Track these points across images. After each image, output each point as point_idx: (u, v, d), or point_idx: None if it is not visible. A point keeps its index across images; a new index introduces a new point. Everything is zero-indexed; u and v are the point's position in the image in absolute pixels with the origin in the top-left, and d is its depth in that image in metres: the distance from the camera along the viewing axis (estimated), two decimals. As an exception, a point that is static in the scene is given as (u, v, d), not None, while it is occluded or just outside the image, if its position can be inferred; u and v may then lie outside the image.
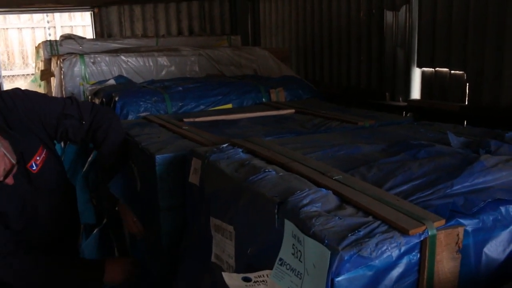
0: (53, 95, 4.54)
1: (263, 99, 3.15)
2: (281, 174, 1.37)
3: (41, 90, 5.52)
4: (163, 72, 4.69)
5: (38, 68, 5.58)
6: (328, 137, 1.93)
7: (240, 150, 1.65)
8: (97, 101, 3.10)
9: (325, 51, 6.32)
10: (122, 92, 2.90)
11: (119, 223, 2.55)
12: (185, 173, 1.79)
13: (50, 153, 2.13)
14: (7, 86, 10.76)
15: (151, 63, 4.65)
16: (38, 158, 2.06)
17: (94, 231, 3.52)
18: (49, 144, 2.14)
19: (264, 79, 3.59)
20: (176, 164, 1.84)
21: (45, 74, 4.97)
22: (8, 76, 10.81)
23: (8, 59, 11.14)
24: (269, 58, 5.15)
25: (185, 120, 2.58)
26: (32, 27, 11.18)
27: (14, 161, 1.84)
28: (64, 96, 4.45)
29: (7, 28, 10.98)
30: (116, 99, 2.81)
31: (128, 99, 2.80)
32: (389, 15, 5.14)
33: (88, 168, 3.11)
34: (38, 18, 11.25)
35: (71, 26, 10.89)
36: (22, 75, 11.11)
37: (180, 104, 2.91)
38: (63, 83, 4.41)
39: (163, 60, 4.68)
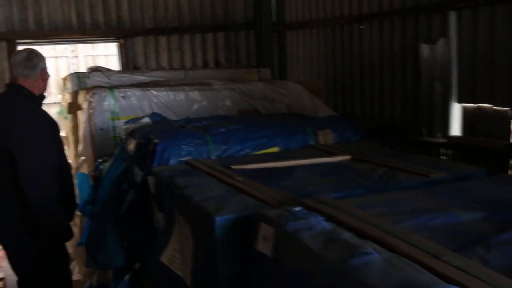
0: (81, 130, 4.35)
1: (310, 142, 2.92)
2: (386, 257, 1.13)
3: (68, 123, 5.34)
4: (195, 107, 4.50)
5: (65, 100, 5.42)
6: (407, 197, 1.69)
7: (320, 218, 1.41)
8: (132, 142, 2.89)
9: (356, 84, 6.11)
10: (162, 134, 2.69)
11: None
12: (249, 236, 1.55)
13: None
14: (28, 114, 10.69)
15: (182, 98, 4.45)
16: None
17: (126, 277, 3.28)
18: None
19: (307, 119, 3.37)
20: (238, 227, 1.61)
21: (73, 107, 4.79)
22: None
23: (30, 87, 11.10)
24: (303, 92, 4.93)
25: (233, 167, 2.35)
26: (55, 57, 11.14)
27: None
28: (93, 132, 4.26)
29: (30, 57, 10.97)
30: (156, 141, 2.60)
31: (170, 142, 2.58)
32: (424, 48, 4.92)
33: (123, 211, 2.89)
34: (61, 48, 11.22)
35: (94, 56, 10.84)
36: (45, 103, 11.04)
37: (224, 147, 2.69)
38: (92, 118, 4.22)
39: (194, 94, 4.49)
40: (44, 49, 11.61)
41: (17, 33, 6.54)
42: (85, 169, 4.14)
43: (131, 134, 2.97)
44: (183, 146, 2.58)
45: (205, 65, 7.31)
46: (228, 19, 7.42)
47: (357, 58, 6.06)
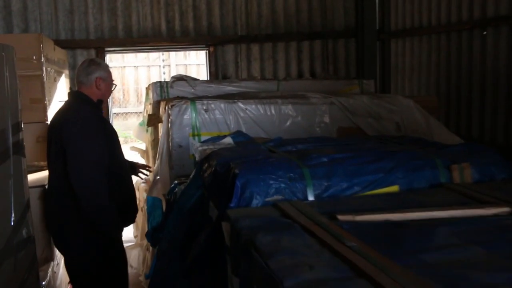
0: (160, 144, 3.81)
1: (441, 179, 2.13)
2: None
3: (148, 136, 4.86)
4: (288, 123, 3.81)
5: (147, 111, 4.95)
6: None
7: None
8: (208, 169, 2.25)
9: (475, 100, 5.15)
10: (244, 162, 2.01)
11: None
12: None
13: None
14: (120, 123, 10.58)
15: (273, 112, 3.79)
16: None
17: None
18: None
19: (433, 146, 2.56)
20: None
21: (152, 120, 4.28)
22: (122, 113, 10.61)
23: (124, 96, 10.96)
24: (415, 109, 4.10)
25: (339, 217, 1.63)
26: (148, 66, 10.95)
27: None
28: (170, 148, 3.71)
29: (124, 67, 10.84)
30: (236, 172, 1.93)
31: (254, 175, 1.90)
32: None
33: (193, 258, 2.25)
34: (154, 57, 11.02)
35: (186, 65, 10.50)
36: (135, 112, 10.85)
37: (326, 184, 1.97)
38: (170, 133, 3.66)
39: (288, 108, 3.81)
40: (138, 58, 11.59)
41: (106, 41, 6.22)
42: (159, 191, 3.57)
43: (207, 158, 2.33)
44: (271, 182, 1.89)
45: (300, 76, 6.62)
46: (327, 26, 6.69)
47: (477, 69, 5.11)
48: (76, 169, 3.10)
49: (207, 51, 6.48)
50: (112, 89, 3.52)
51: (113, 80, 3.51)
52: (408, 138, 2.86)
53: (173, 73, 10.91)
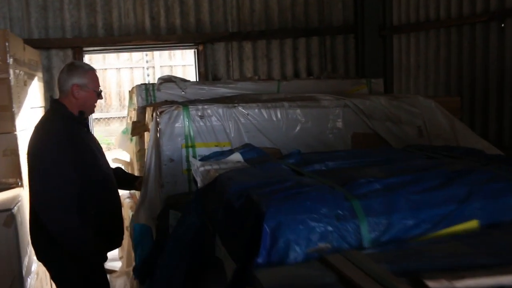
0: (147, 158, 3.20)
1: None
2: None
3: (132, 146, 4.24)
4: (296, 130, 3.24)
5: (131, 118, 4.34)
6: None
7: None
8: (215, 200, 1.66)
9: (492, 99, 4.65)
10: (270, 194, 1.43)
11: None
12: None
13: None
14: (102, 128, 9.88)
15: (279, 117, 3.21)
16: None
17: None
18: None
19: (495, 160, 2.00)
20: None
21: (137, 128, 3.68)
22: (104, 118, 9.92)
23: (105, 101, 10.26)
24: (438, 111, 3.55)
25: (429, 284, 1.07)
26: (131, 67, 10.26)
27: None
28: (160, 162, 3.12)
29: (105, 69, 10.13)
30: (262, 210, 1.35)
31: (288, 215, 1.31)
32: None
33: None
34: (137, 58, 10.32)
35: (171, 66, 9.83)
36: (118, 117, 10.16)
37: (385, 222, 1.39)
38: (160, 144, 3.06)
39: (295, 113, 3.23)
40: (120, 59, 10.90)
41: (84, 40, 5.58)
42: (147, 215, 2.96)
43: (213, 184, 1.74)
44: (313, 224, 1.30)
45: (296, 75, 6.06)
46: (324, 22, 6.13)
47: (494, 66, 4.60)
48: (38, 201, 2.74)
49: (196, 50, 5.88)
50: (98, 97, 2.96)
51: (97, 87, 2.95)
52: (456, 149, 2.30)
53: (158, 75, 10.24)
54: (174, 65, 9.69)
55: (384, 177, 1.57)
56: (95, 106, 3.03)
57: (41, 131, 2.84)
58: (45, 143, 2.76)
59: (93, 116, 6.22)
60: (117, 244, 3.16)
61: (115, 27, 5.63)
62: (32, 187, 2.79)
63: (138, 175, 4.04)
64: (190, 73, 7.00)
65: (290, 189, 1.51)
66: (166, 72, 9.06)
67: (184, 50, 9.41)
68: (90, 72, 2.92)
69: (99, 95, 2.95)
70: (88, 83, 2.85)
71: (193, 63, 6.17)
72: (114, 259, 4.59)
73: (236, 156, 1.97)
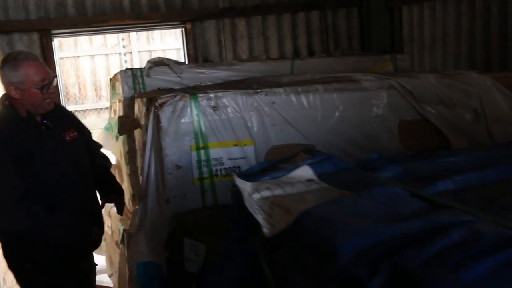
0: (144, 165, 2.41)
1: None
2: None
3: (119, 146, 3.44)
4: (333, 120, 2.49)
5: (114, 111, 3.52)
6: None
7: None
8: (294, 256, 0.91)
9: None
10: (438, 263, 0.69)
11: None
12: None
13: (79, 137, 2.56)
14: (77, 121, 8.92)
15: (312, 104, 2.45)
16: (71, 134, 2.49)
17: None
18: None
19: None
20: None
21: (126, 125, 2.86)
22: (80, 110, 8.97)
23: (80, 91, 9.28)
24: (495, 90, 2.85)
25: None
26: (106, 54, 9.30)
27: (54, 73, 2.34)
28: (163, 170, 2.34)
29: (78, 56, 9.15)
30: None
31: None
32: None
33: None
34: (112, 43, 9.33)
35: (150, 51, 8.91)
36: (95, 109, 9.21)
37: None
38: (162, 146, 2.28)
39: (332, 98, 2.48)
40: (94, 45, 9.91)
41: (52, 21, 4.70)
42: (146, 245, 2.17)
43: (294, 233, 0.98)
44: None
45: (296, 54, 5.29)
46: (325, -7, 5.38)
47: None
48: None
49: (183, 29, 5.05)
50: (42, 92, 2.31)
51: (38, 81, 2.27)
52: None
53: (136, 62, 9.28)
54: (154, 50, 8.79)
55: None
56: (47, 103, 2.36)
57: None
58: None
59: (68, 108, 5.36)
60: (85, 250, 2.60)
61: (88, 5, 4.76)
62: None
63: (126, 183, 3.25)
64: (172, 57, 6.16)
65: (457, 245, 0.77)
66: (145, 58, 8.17)
67: (163, 33, 8.47)
68: (24, 64, 2.27)
69: (43, 89, 2.29)
70: (23, 80, 2.28)
71: (174, 47, 5.36)
72: (103, 282, 3.81)
73: (306, 171, 1.21)
